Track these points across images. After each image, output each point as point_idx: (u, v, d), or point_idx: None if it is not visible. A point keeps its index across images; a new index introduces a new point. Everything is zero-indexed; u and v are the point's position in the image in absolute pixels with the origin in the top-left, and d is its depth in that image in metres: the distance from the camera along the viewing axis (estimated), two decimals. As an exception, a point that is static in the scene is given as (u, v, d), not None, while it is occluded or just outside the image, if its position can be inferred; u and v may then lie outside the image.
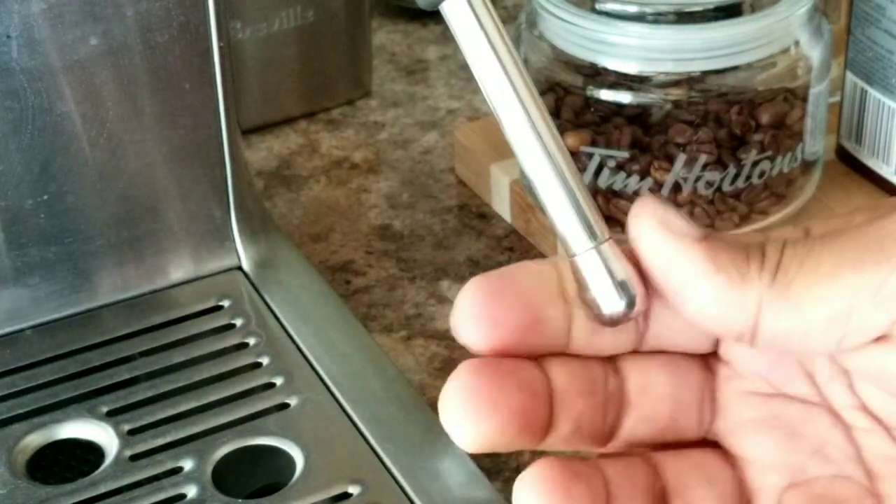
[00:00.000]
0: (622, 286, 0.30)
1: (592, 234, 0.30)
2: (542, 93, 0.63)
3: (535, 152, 0.30)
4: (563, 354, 0.30)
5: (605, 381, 0.31)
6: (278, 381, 0.53)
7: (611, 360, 0.31)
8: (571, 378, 0.30)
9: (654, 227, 0.29)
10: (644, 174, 0.61)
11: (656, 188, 0.61)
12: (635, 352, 0.31)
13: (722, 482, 0.31)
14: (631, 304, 0.30)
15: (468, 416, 0.29)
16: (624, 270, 0.30)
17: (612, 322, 0.30)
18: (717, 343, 0.32)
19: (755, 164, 0.61)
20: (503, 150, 0.69)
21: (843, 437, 0.31)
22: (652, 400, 0.31)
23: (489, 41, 0.30)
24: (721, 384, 0.32)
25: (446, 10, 0.30)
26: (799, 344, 0.29)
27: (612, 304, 0.30)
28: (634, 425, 0.31)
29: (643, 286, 0.30)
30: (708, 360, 0.32)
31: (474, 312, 0.30)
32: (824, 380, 0.31)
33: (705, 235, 0.29)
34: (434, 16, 0.31)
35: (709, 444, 0.32)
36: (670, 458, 0.31)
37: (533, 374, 0.30)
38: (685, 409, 0.31)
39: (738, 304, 0.28)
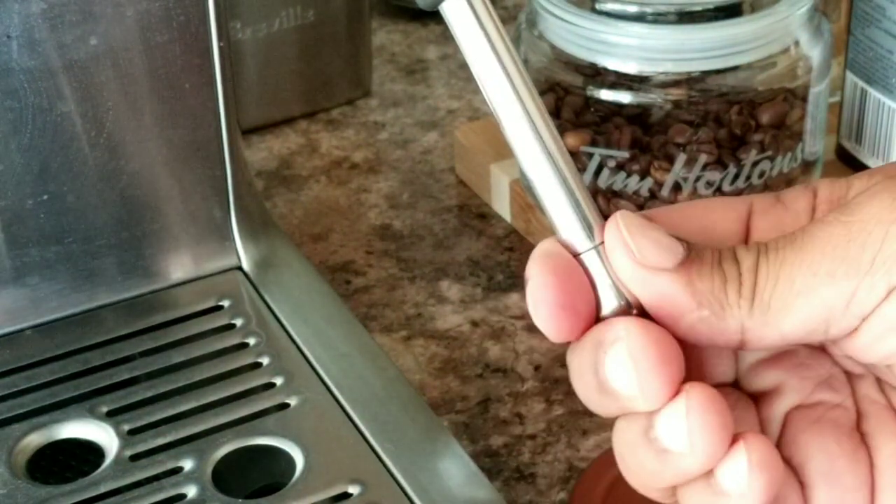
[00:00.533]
0: (619, 287, 0.30)
1: (591, 235, 0.30)
2: (542, 93, 0.63)
3: (534, 153, 0.30)
4: None
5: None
6: (278, 381, 0.53)
7: None
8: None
9: (629, 262, 0.30)
10: (644, 174, 0.61)
11: (656, 188, 0.61)
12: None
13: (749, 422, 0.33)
14: (630, 303, 0.30)
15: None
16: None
17: None
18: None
19: (755, 164, 0.61)
20: (503, 150, 0.69)
21: (843, 375, 0.32)
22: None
23: (489, 41, 0.30)
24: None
25: (446, 10, 0.30)
26: (784, 347, 0.30)
27: (608, 304, 0.30)
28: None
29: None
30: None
31: (549, 306, 0.30)
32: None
33: (681, 260, 0.29)
34: (434, 16, 0.31)
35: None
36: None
37: None
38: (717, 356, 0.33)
39: (723, 332, 0.30)
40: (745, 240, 0.32)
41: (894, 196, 0.29)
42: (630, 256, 0.29)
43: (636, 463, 0.30)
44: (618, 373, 0.29)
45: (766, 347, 0.30)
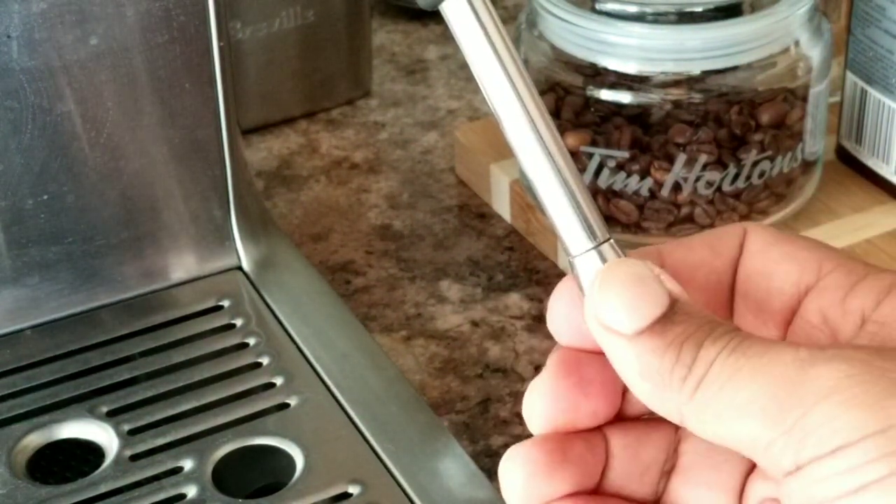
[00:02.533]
0: None
1: (592, 235, 0.30)
2: (542, 93, 0.63)
3: (534, 153, 0.30)
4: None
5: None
6: (278, 381, 0.53)
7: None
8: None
9: (589, 321, 0.29)
10: (644, 174, 0.61)
11: (656, 188, 0.61)
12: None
13: None
14: None
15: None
16: None
17: None
18: None
19: (755, 164, 0.61)
20: (503, 150, 0.69)
21: None
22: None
23: (489, 41, 0.30)
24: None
25: (446, 10, 0.30)
26: (724, 446, 0.29)
27: None
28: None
29: None
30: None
31: (563, 315, 0.31)
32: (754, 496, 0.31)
33: (637, 331, 0.29)
34: (434, 16, 0.31)
35: None
36: None
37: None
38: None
39: (661, 407, 0.29)
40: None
41: (846, 372, 0.27)
42: (590, 316, 0.29)
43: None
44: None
45: (704, 438, 0.29)
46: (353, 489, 0.48)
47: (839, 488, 0.26)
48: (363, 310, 0.63)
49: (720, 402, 0.28)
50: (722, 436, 0.28)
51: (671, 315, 0.29)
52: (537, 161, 0.30)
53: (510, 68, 0.30)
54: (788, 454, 0.27)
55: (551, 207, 0.30)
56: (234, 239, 0.60)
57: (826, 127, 0.65)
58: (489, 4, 0.30)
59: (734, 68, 0.60)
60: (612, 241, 0.30)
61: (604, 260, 0.30)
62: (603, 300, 0.29)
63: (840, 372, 0.27)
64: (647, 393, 0.29)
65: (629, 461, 0.32)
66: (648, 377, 0.28)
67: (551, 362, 0.31)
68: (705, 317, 0.29)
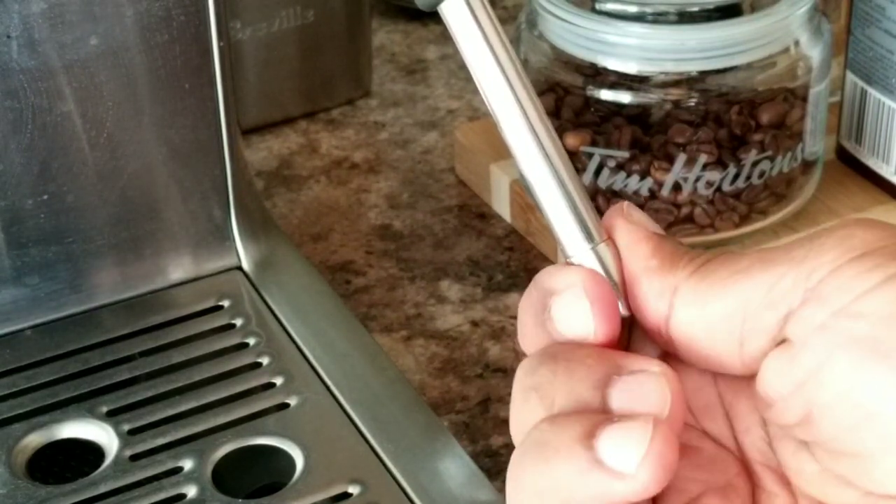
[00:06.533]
0: (618, 288, 0.30)
1: (589, 236, 0.30)
2: (542, 93, 0.63)
3: (532, 154, 0.30)
4: None
5: None
6: (278, 381, 0.53)
7: None
8: None
9: (619, 215, 0.30)
10: (644, 174, 0.61)
11: (656, 188, 0.61)
12: None
13: None
14: (625, 305, 0.30)
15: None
16: (620, 273, 0.30)
17: None
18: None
19: (755, 164, 0.61)
20: (503, 150, 0.69)
21: (746, 489, 0.30)
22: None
23: (487, 42, 0.30)
24: None
25: (444, 11, 0.30)
26: (705, 341, 0.29)
27: None
28: None
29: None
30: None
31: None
32: (741, 427, 0.31)
33: (661, 234, 0.30)
34: (434, 16, 0.31)
35: None
36: None
37: None
38: None
39: (659, 290, 0.29)
40: None
41: (845, 238, 0.28)
42: (622, 212, 0.30)
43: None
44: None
45: (684, 332, 0.29)
46: (353, 489, 0.48)
47: (859, 287, 0.27)
48: (363, 310, 0.63)
49: (714, 278, 0.28)
50: (713, 308, 0.28)
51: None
52: (535, 162, 0.30)
53: (508, 70, 0.30)
54: (800, 283, 0.27)
55: (548, 208, 0.30)
56: (234, 239, 0.60)
57: (826, 127, 0.65)
58: (487, 6, 0.30)
59: (734, 68, 0.60)
60: (608, 242, 0.30)
61: (601, 261, 0.30)
62: (631, 208, 0.31)
63: (838, 236, 0.28)
64: (653, 269, 0.29)
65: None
66: (658, 257, 0.29)
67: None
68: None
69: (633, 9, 0.60)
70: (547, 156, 0.30)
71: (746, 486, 0.30)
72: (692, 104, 0.60)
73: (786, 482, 0.30)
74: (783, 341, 0.28)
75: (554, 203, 0.30)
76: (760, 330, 0.28)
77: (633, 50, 0.60)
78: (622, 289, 0.30)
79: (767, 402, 0.28)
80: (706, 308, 0.29)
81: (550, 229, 0.31)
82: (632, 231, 0.30)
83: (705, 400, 0.31)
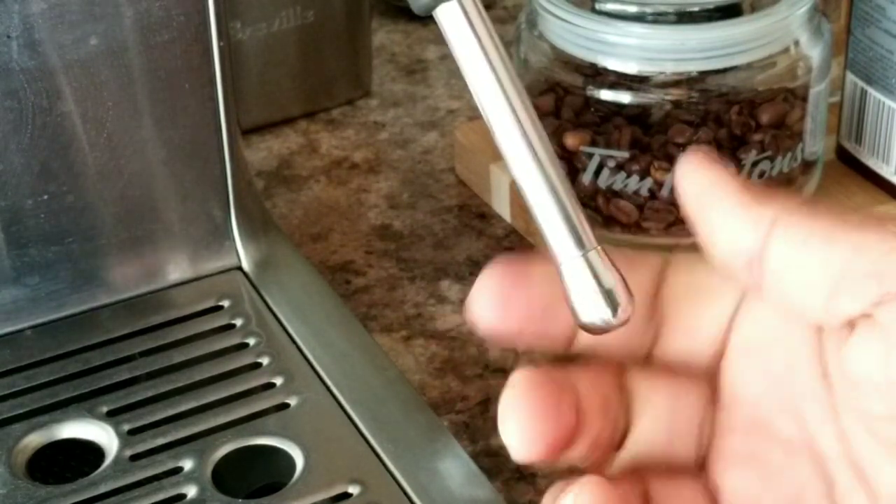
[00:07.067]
0: (608, 295, 0.30)
1: (580, 243, 0.30)
2: (542, 93, 0.63)
3: (524, 159, 0.30)
4: (574, 362, 0.30)
5: (617, 397, 0.31)
6: (278, 381, 0.53)
7: (618, 375, 0.31)
8: (590, 393, 0.30)
9: (697, 159, 0.30)
10: (644, 174, 0.61)
11: (656, 188, 0.61)
12: (643, 365, 0.31)
13: None
14: (615, 313, 0.30)
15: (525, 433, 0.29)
16: (611, 279, 0.30)
17: (597, 330, 0.30)
18: (718, 365, 0.31)
19: (755, 164, 0.61)
20: (503, 150, 0.69)
21: (822, 489, 0.30)
22: (652, 419, 0.31)
23: (482, 48, 0.30)
24: (718, 410, 0.31)
25: (440, 14, 0.30)
26: (796, 283, 0.28)
27: (596, 312, 0.30)
28: (635, 445, 0.31)
29: (629, 295, 0.30)
30: (712, 382, 0.31)
31: (491, 294, 0.30)
32: (815, 420, 0.30)
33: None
34: (433, 17, 0.31)
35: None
36: (659, 485, 0.31)
37: (573, 390, 0.30)
38: (683, 432, 0.31)
39: (755, 222, 0.29)
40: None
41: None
42: (699, 156, 0.30)
43: None
44: (502, 417, 0.29)
45: (780, 272, 0.28)
46: (353, 489, 0.48)
47: None
48: (363, 310, 0.63)
49: (828, 216, 0.28)
50: (814, 249, 0.28)
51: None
52: (526, 168, 0.30)
53: (502, 75, 0.30)
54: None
55: (540, 214, 0.30)
56: (234, 239, 0.60)
57: (826, 127, 0.65)
58: (482, 11, 0.30)
59: (734, 68, 0.60)
60: (599, 249, 0.30)
61: (591, 268, 0.30)
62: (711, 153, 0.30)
63: None
64: (746, 202, 0.29)
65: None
66: (750, 191, 0.29)
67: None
68: None
69: (632, 9, 0.60)
70: (539, 162, 0.30)
71: (822, 486, 0.30)
72: (692, 104, 0.60)
73: (863, 477, 0.29)
74: (869, 317, 0.27)
75: (545, 209, 0.30)
76: (857, 294, 0.27)
77: (633, 50, 0.60)
78: (623, 287, 0.30)
79: (857, 386, 0.28)
80: (807, 246, 0.28)
81: (540, 233, 0.30)
82: (718, 168, 0.30)
83: (777, 397, 0.30)
